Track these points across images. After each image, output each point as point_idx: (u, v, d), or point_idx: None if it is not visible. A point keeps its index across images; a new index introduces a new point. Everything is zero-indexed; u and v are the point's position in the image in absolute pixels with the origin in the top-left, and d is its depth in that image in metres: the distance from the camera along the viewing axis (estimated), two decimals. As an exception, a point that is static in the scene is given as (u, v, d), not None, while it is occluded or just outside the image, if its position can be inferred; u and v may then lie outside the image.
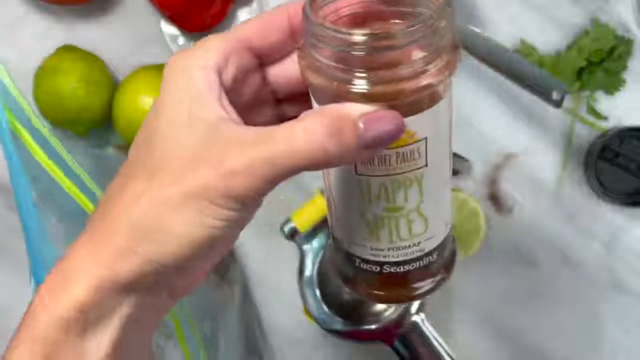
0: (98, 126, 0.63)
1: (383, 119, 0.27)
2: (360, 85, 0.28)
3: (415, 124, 0.29)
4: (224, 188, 0.27)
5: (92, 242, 0.29)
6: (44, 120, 0.62)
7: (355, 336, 0.60)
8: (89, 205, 0.47)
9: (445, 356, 0.57)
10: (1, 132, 0.42)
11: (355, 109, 0.27)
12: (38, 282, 0.40)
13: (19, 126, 0.43)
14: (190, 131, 0.29)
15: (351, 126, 0.27)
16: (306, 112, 0.28)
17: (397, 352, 0.59)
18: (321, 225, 0.58)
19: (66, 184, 0.45)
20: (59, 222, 0.44)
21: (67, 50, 0.62)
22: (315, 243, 0.58)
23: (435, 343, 0.58)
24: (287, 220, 0.58)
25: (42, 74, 0.61)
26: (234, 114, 0.30)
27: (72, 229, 0.45)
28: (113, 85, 0.63)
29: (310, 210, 0.58)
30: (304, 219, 0.58)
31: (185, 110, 0.29)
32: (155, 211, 0.28)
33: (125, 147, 0.64)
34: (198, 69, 0.30)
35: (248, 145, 0.28)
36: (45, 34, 0.65)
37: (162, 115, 0.30)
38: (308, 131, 0.27)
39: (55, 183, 0.45)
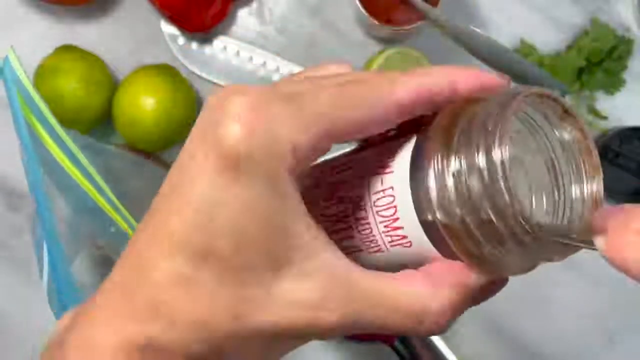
0: (98, 126, 0.63)
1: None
2: (491, 271, 0.28)
3: None
4: (313, 333, 0.26)
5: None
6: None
7: (355, 336, 0.60)
8: (98, 198, 0.47)
9: (445, 356, 0.57)
10: (18, 122, 0.42)
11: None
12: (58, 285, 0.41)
13: (32, 118, 0.43)
14: (285, 255, 0.25)
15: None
16: (443, 294, 0.27)
17: (397, 352, 0.59)
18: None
19: (77, 175, 0.46)
20: (72, 212, 0.44)
21: (67, 50, 0.62)
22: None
23: (435, 343, 0.58)
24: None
25: (42, 74, 0.61)
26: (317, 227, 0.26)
27: (83, 221, 0.45)
28: (113, 85, 0.63)
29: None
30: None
31: (274, 223, 0.24)
32: (240, 341, 0.25)
33: (124, 147, 0.64)
34: (281, 169, 0.24)
35: (360, 301, 0.25)
36: (45, 34, 0.65)
37: (242, 214, 0.24)
38: (437, 321, 0.26)
39: (67, 174, 0.45)
